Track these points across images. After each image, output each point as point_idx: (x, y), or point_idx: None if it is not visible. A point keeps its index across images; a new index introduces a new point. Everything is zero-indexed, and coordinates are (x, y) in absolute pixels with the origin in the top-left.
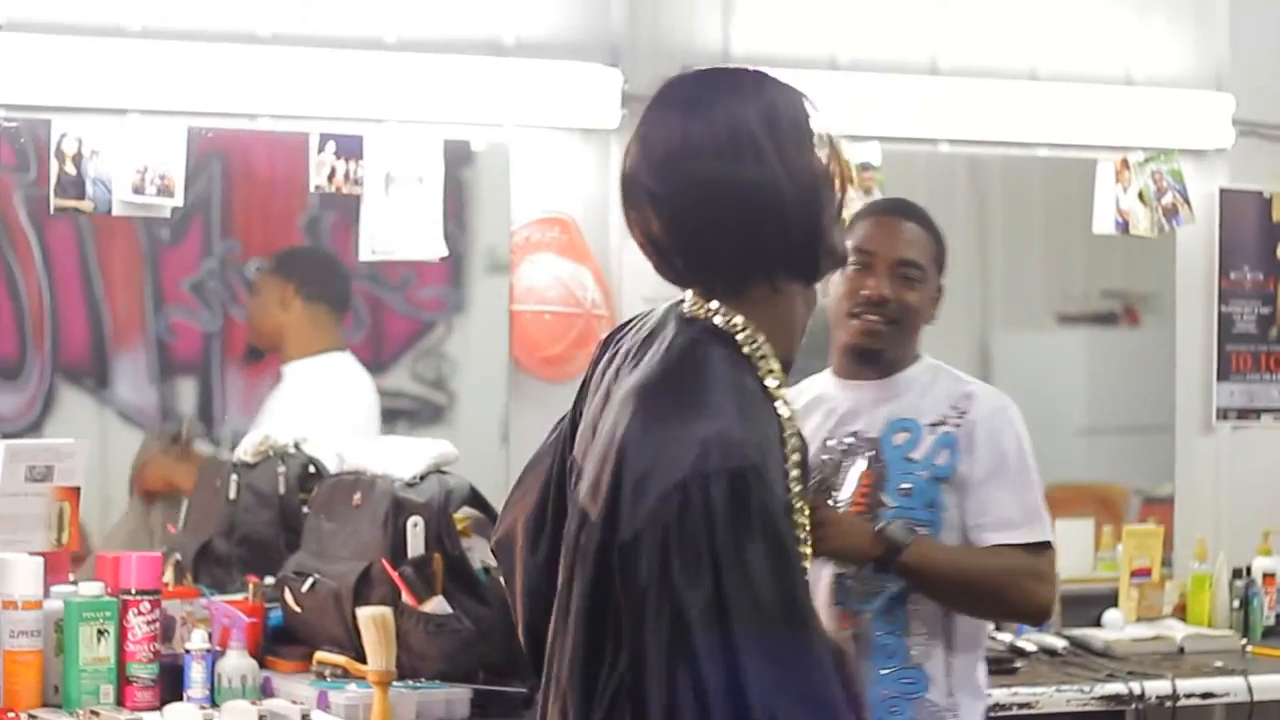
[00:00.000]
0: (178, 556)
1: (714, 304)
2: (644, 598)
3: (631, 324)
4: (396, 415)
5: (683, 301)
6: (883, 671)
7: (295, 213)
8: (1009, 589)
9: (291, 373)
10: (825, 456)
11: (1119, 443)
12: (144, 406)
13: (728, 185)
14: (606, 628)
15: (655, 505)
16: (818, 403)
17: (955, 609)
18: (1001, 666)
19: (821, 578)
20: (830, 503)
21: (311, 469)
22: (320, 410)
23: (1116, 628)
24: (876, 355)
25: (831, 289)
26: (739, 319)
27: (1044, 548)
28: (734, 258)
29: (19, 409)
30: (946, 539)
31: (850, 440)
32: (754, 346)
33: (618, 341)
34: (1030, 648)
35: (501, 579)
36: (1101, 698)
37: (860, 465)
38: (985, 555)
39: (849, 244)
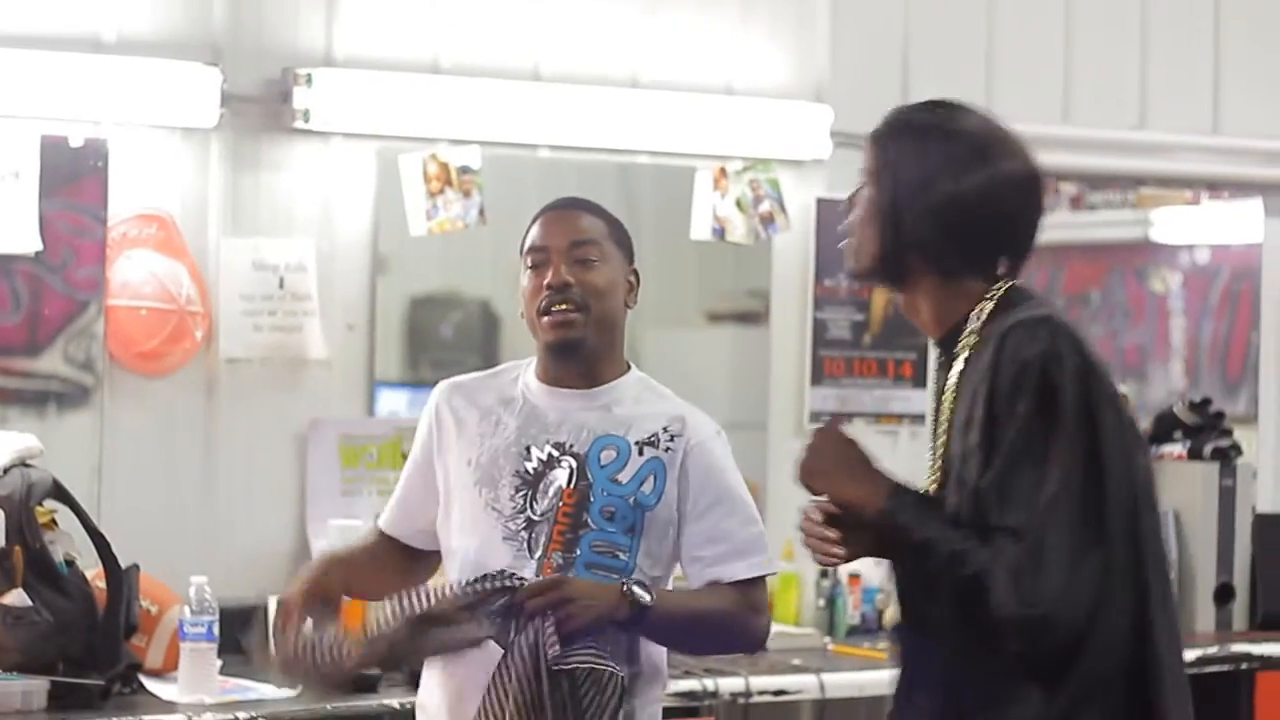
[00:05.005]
0: None
1: None
2: None
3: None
4: (47, 398)
5: None
6: None
7: None
8: (731, 628)
9: None
10: (527, 464)
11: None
12: None
13: None
14: None
15: None
16: (520, 402)
17: (681, 651)
18: None
19: None
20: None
21: None
22: None
23: None
24: (576, 345)
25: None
26: None
27: (762, 579)
28: None
29: None
30: (642, 566)
31: (553, 451)
32: None
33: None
34: None
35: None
36: (676, 694)
37: (560, 480)
38: (710, 597)
39: (525, 247)
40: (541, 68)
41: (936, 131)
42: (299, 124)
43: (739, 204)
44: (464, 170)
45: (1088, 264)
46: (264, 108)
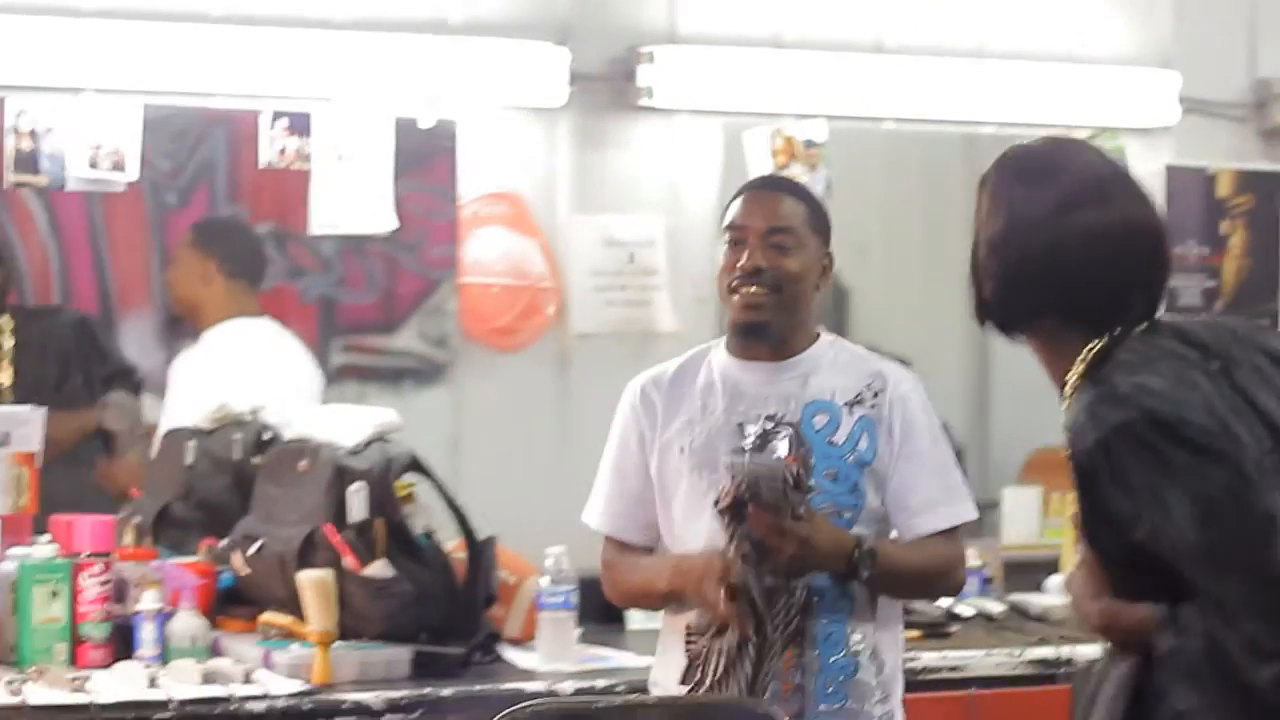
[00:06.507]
0: (138, 519)
1: None
2: None
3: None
4: (403, 374)
5: None
6: (831, 659)
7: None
8: (945, 577)
9: (211, 337)
10: (744, 441)
11: None
12: (152, 368)
13: None
14: None
15: None
16: (720, 384)
17: (902, 599)
18: (935, 631)
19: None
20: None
21: (266, 435)
22: (244, 373)
23: (1056, 593)
24: (763, 328)
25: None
26: None
27: (959, 527)
28: None
29: None
30: (864, 524)
31: (767, 424)
32: None
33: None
34: (969, 612)
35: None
36: (1031, 661)
37: (782, 449)
38: (926, 550)
39: (725, 222)
40: (884, 39)
41: (1030, 176)
42: (644, 101)
43: None
44: (809, 144)
45: None
46: (609, 85)
